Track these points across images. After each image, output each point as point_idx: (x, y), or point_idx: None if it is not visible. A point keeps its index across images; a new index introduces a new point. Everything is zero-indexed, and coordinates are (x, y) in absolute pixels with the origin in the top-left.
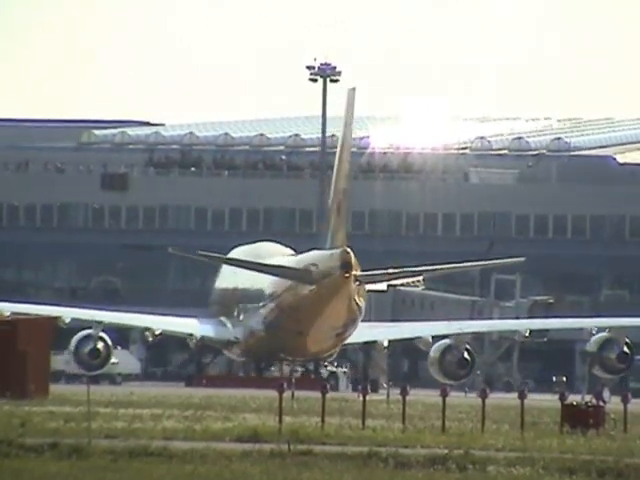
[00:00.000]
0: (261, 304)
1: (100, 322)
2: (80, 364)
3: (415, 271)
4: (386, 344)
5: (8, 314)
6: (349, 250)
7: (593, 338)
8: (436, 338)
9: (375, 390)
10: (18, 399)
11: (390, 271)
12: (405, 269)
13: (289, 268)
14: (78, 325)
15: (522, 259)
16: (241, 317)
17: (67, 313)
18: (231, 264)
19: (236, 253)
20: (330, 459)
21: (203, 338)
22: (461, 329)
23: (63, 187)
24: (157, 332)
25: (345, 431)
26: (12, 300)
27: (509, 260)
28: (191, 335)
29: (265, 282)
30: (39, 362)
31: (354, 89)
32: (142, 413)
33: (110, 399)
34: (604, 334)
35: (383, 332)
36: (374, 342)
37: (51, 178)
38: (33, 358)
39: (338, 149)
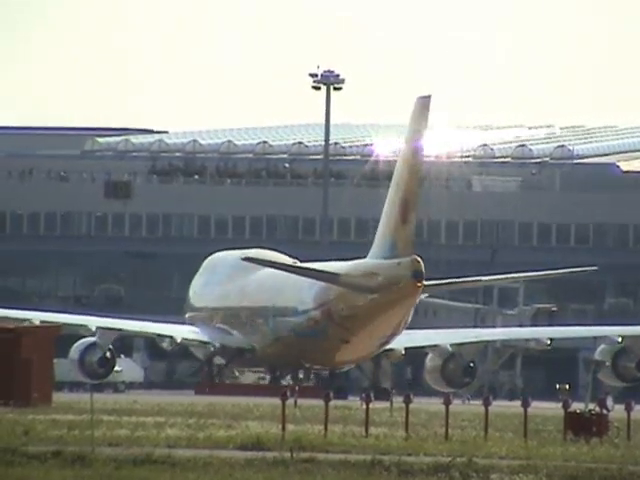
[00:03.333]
0: (295, 311)
1: (120, 330)
2: (85, 373)
3: (478, 280)
4: (403, 352)
5: (37, 322)
6: (419, 259)
7: (602, 346)
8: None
9: (388, 399)
10: (22, 407)
11: (455, 280)
12: (469, 278)
13: (351, 276)
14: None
15: (594, 268)
16: (259, 324)
17: (93, 322)
18: (295, 273)
19: (225, 259)
20: (333, 467)
21: (221, 346)
22: (478, 337)
23: (66, 195)
24: (178, 340)
25: (348, 439)
26: (15, 307)
27: (581, 269)
28: (207, 343)
29: (300, 288)
30: (43, 370)
31: (429, 97)
32: (145, 421)
33: (113, 407)
34: (618, 342)
35: (400, 340)
36: (391, 350)
37: (55, 186)
38: (37, 366)
39: (400, 157)
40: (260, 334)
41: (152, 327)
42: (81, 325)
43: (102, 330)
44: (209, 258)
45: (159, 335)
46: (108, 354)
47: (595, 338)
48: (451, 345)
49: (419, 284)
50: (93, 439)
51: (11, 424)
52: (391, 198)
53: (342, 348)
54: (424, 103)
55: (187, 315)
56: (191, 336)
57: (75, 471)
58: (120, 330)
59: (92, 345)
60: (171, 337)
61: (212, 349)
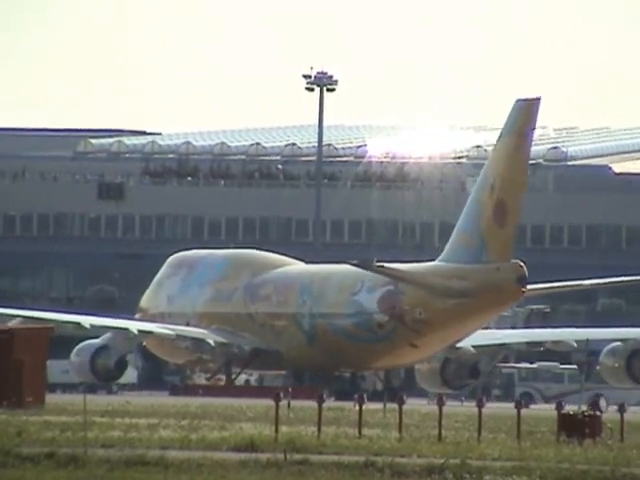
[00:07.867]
0: (346, 314)
1: (150, 332)
2: (97, 375)
3: (579, 284)
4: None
5: (88, 326)
6: (522, 264)
7: (615, 345)
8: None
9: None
10: (14, 408)
11: (556, 285)
12: (568, 282)
13: (440, 279)
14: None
15: None
16: (286, 326)
17: (134, 326)
18: (393, 276)
19: (206, 258)
20: (326, 468)
21: (253, 349)
22: (499, 339)
23: (59, 196)
24: (212, 343)
25: (341, 440)
26: (6, 306)
27: None
28: (230, 345)
29: (352, 291)
30: (35, 371)
31: (539, 99)
32: (138, 422)
33: (106, 408)
34: (629, 344)
35: None
36: None
37: (47, 187)
38: (29, 367)
39: (494, 160)
40: (288, 337)
41: (177, 330)
42: (124, 328)
43: (120, 333)
44: (174, 257)
45: (190, 338)
46: (124, 357)
47: (587, 340)
48: (474, 347)
49: (523, 289)
50: (86, 441)
51: (4, 425)
52: (480, 200)
53: (406, 352)
54: (530, 105)
55: (140, 315)
56: (215, 339)
57: (68, 472)
58: (151, 333)
59: (104, 348)
60: (202, 340)
61: (236, 351)
